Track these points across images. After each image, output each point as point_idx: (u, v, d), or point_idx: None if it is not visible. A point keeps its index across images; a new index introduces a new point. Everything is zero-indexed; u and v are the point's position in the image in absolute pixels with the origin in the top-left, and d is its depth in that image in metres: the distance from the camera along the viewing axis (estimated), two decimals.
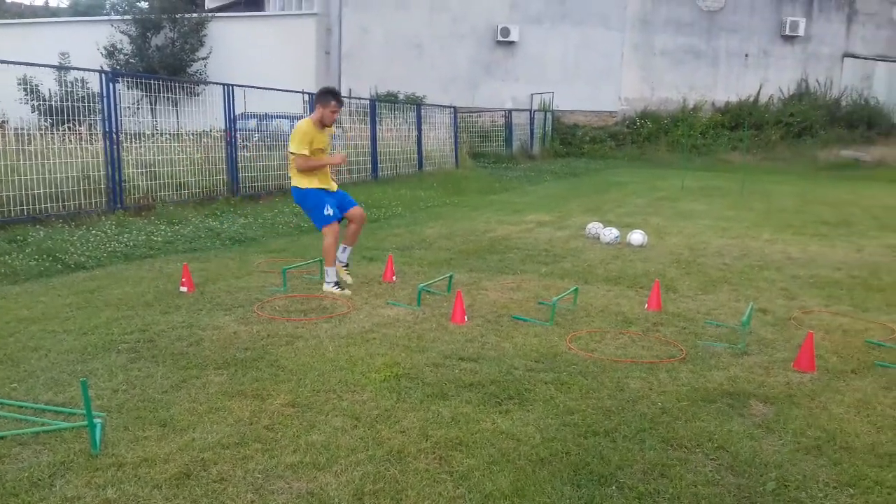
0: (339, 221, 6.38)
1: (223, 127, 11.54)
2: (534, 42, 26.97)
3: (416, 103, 20.91)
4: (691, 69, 28.05)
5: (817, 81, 28.31)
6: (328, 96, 6.21)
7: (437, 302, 6.05)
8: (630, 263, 7.94)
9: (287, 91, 14.68)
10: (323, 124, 6.23)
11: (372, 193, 13.36)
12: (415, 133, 17.75)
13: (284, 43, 25.56)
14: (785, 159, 24.22)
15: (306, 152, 6.12)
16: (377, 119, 16.13)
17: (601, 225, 9.62)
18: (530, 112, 25.97)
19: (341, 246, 6.47)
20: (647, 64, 28.00)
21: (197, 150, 11.20)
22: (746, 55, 28.11)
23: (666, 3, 27.63)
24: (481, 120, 24.94)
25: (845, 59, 28.62)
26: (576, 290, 6.17)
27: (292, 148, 6.13)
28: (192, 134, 11.75)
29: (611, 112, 28.09)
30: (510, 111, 24.67)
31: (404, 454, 3.30)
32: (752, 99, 27.61)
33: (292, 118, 16.29)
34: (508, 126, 24.38)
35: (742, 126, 25.55)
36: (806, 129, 26.36)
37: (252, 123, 15.62)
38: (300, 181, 6.26)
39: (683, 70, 28.03)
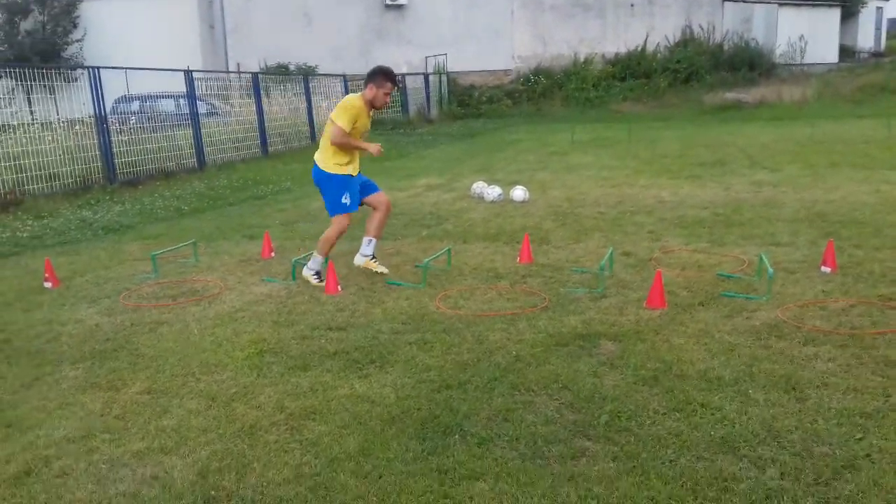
0: (351, 213, 5.84)
1: (92, 112, 11.06)
2: (423, 4, 26.81)
3: (306, 74, 20.55)
4: (580, 22, 28.45)
5: (700, 27, 29.19)
6: (382, 77, 5.58)
7: None
8: (510, 220, 8.12)
9: (168, 70, 14.16)
10: (373, 105, 5.64)
11: (261, 170, 13.15)
12: (305, 105, 17.46)
13: (164, 20, 24.59)
14: (674, 105, 25.02)
15: (348, 129, 5.52)
16: (263, 93, 15.78)
17: (485, 184, 9.77)
18: (425, 75, 25.89)
19: (367, 238, 5.97)
20: (538, 20, 28.25)
21: (68, 137, 10.72)
22: (632, 4, 28.69)
23: None
24: None
25: (725, 3, 29.58)
26: (448, 250, 6.28)
27: (336, 117, 5.52)
28: (65, 121, 11.24)
29: (505, 70, 28.29)
30: (404, 76, 24.52)
31: (256, 428, 3.34)
32: (639, 49, 28.27)
33: (178, 97, 15.80)
34: (404, 91, 24.26)
35: (631, 76, 26.22)
36: (692, 74, 27.23)
37: (135, 105, 15.07)
38: (327, 163, 5.65)
39: (573, 24, 28.41)
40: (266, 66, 25.57)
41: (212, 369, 4.06)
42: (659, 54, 28.34)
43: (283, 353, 4.28)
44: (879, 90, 23.03)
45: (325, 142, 5.65)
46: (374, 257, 6.07)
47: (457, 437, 3.18)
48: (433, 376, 3.85)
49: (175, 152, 12.83)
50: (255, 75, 15.73)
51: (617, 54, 28.38)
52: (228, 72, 23.45)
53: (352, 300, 5.28)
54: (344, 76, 20.02)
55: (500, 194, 9.34)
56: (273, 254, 6.77)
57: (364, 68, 26.29)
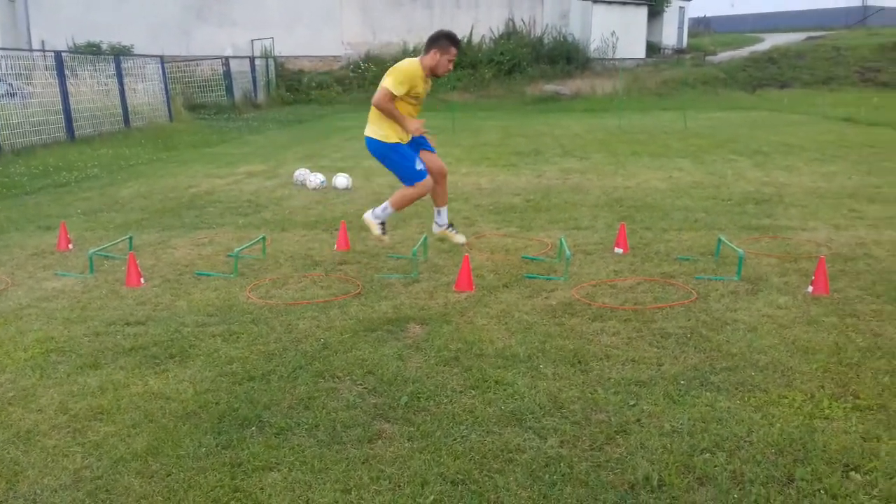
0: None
1: None
2: None
3: (119, 54, 19.25)
4: (408, 12, 28.72)
5: (522, 21, 30.39)
6: (447, 41, 5.15)
7: (116, 267, 5.71)
8: (331, 207, 8.07)
9: None
10: (433, 73, 5.22)
11: (66, 155, 12.18)
12: (117, 87, 16.34)
13: None
14: (498, 96, 25.90)
15: (398, 93, 5.08)
16: (69, 73, 14.58)
17: (308, 171, 9.63)
18: (251, 59, 25.06)
19: (435, 209, 5.69)
20: (367, 7, 28.20)
21: None
22: None
23: None
24: (200, 69, 23.63)
25: None
26: (263, 238, 6.14)
27: (386, 83, 5.06)
28: None
29: (335, 57, 28.02)
30: (228, 59, 23.61)
31: (34, 433, 3.10)
32: (466, 40, 28.94)
33: None
34: (228, 74, 23.36)
35: (458, 66, 26.82)
36: (515, 66, 28.30)
37: None
38: (378, 130, 5.29)
39: (401, 13, 28.62)
40: (75, 44, 23.70)
41: None
42: (484, 45, 29.21)
43: (72, 351, 4.00)
44: (681, 84, 25.09)
45: (372, 112, 5.29)
46: (450, 225, 5.82)
47: (254, 428, 3.13)
48: (236, 368, 3.76)
49: None
50: (57, 54, 14.49)
51: None
52: (30, 50, 21.56)
53: (155, 293, 5.03)
54: (161, 57, 18.94)
55: (322, 181, 9.25)
56: (71, 246, 6.31)
57: (185, 50, 24.92)
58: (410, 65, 5.18)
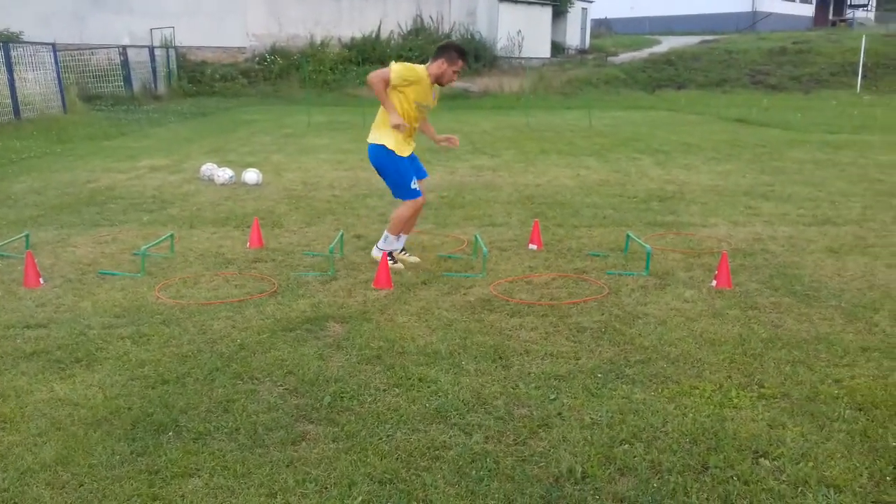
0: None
1: None
2: None
3: (7, 41, 18.11)
4: (315, 4, 28.24)
5: (430, 17, 30.45)
6: (456, 53, 5.18)
7: (11, 267, 5.39)
8: (241, 203, 7.87)
9: None
10: (438, 81, 5.22)
11: None
12: (6, 76, 15.37)
13: None
14: None
15: (394, 80, 4.99)
16: None
17: (216, 166, 9.36)
18: (150, 49, 24.08)
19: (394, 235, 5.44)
20: None
21: None
22: None
23: None
24: (95, 58, 22.53)
25: None
26: (171, 235, 5.93)
27: (390, 65, 5.02)
28: None
29: (240, 48, 27.27)
30: (125, 48, 22.61)
31: None
32: (374, 34, 28.79)
33: None
34: (126, 64, 22.37)
35: (367, 61, 26.64)
36: (424, 62, 28.02)
37: None
38: (384, 136, 5.20)
39: (308, 5, 28.11)
40: None
41: None
42: (393, 41, 29.10)
43: None
44: (585, 84, 25.77)
45: (379, 115, 5.25)
46: (404, 250, 5.56)
47: (171, 433, 3.02)
48: (148, 372, 3.62)
49: None
50: None
51: (353, 38, 28.64)
52: None
53: (56, 294, 4.78)
54: (54, 45, 17.92)
55: (231, 177, 9.01)
56: None
57: (78, 38, 23.79)
58: (414, 66, 5.23)
